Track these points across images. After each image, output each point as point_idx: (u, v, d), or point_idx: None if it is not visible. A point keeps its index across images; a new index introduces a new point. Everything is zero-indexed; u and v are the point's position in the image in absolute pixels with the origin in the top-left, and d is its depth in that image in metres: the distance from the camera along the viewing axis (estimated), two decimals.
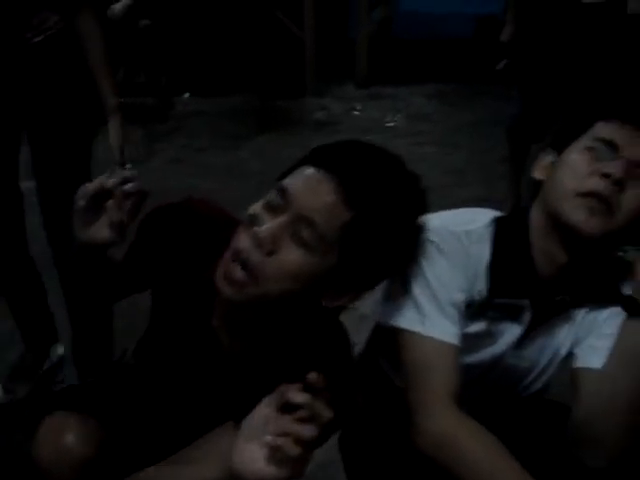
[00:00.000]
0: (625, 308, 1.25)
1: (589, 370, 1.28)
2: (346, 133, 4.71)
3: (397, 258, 1.14)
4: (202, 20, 5.54)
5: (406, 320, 1.26)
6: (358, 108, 5.19)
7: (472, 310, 1.30)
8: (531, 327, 1.34)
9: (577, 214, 1.22)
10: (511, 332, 1.34)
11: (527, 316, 1.33)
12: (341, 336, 1.21)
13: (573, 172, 1.25)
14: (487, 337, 1.34)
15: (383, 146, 1.13)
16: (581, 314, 1.35)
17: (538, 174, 1.34)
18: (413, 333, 1.25)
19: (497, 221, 1.35)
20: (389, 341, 1.31)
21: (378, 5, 6.21)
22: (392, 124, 4.88)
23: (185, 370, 1.23)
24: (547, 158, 1.34)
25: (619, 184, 1.20)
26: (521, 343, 1.35)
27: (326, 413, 0.91)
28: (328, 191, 1.02)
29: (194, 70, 5.59)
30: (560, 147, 1.32)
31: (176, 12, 5.40)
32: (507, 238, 1.32)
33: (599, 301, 1.32)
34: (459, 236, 1.29)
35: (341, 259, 1.05)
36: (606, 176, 1.20)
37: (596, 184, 1.21)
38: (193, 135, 4.78)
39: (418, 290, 1.26)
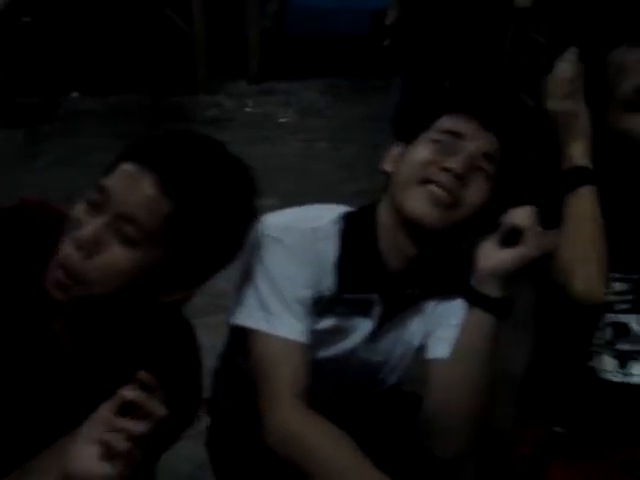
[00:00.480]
0: (467, 299, 1.27)
1: (436, 361, 1.30)
2: (238, 130, 4.68)
3: (226, 247, 1.11)
4: (91, 17, 5.39)
5: (252, 319, 1.25)
6: (250, 104, 5.16)
7: (321, 306, 1.30)
8: (382, 321, 1.34)
9: (419, 206, 1.23)
10: (362, 327, 1.34)
11: (377, 310, 1.33)
12: (184, 332, 1.18)
13: (416, 164, 1.26)
14: (338, 333, 1.34)
15: (209, 135, 1.12)
16: (431, 306, 1.36)
17: (387, 166, 1.34)
18: (259, 331, 1.23)
19: (345, 217, 1.34)
20: (242, 340, 1.29)
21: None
22: (284, 120, 4.87)
23: (25, 376, 1.18)
24: (396, 150, 1.34)
25: (460, 179, 1.22)
26: (373, 337, 1.36)
27: (160, 410, 0.90)
28: (146, 185, 1.00)
29: (83, 68, 5.42)
30: (408, 139, 1.33)
31: (60, 9, 5.23)
32: (355, 233, 1.32)
33: (447, 293, 1.34)
34: (305, 233, 1.28)
35: (168, 252, 1.03)
36: (447, 170, 1.22)
37: (436, 174, 1.23)
38: (79, 135, 4.64)
39: (263, 288, 1.24)
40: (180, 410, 0.94)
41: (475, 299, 1.25)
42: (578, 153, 1.30)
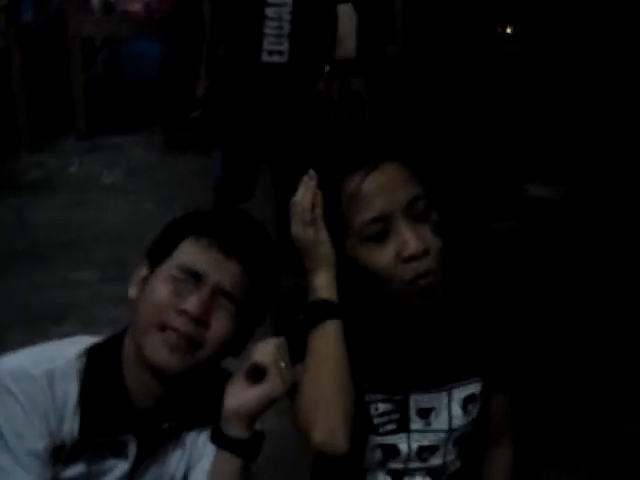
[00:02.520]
0: (212, 439, 1.20)
1: None
2: (60, 193, 4.49)
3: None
4: None
5: None
6: (76, 163, 4.95)
7: (67, 452, 1.20)
8: (139, 459, 1.26)
9: (158, 352, 1.17)
10: (117, 468, 1.26)
11: (132, 449, 1.25)
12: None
13: (153, 307, 1.19)
14: (91, 477, 1.25)
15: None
16: (191, 438, 1.29)
17: (132, 293, 1.26)
18: None
19: (89, 351, 1.25)
20: None
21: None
22: (109, 181, 4.70)
23: None
24: (141, 273, 1.27)
25: (198, 321, 1.16)
26: (132, 476, 1.27)
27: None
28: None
29: None
30: (154, 261, 1.25)
31: None
32: (98, 370, 1.23)
33: (207, 423, 1.27)
34: (37, 379, 1.19)
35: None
36: (183, 313, 1.16)
37: (172, 320, 1.16)
38: None
39: None
40: None
41: (220, 440, 1.19)
42: (321, 284, 1.25)
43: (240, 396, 1.18)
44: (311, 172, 1.26)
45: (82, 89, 5.41)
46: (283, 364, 1.17)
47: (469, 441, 1.35)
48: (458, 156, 2.99)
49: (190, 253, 1.20)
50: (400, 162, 1.23)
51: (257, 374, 1.18)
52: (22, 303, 3.20)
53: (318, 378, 1.21)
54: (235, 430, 1.18)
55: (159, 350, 1.16)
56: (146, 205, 4.25)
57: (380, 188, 1.20)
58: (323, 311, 1.23)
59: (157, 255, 1.25)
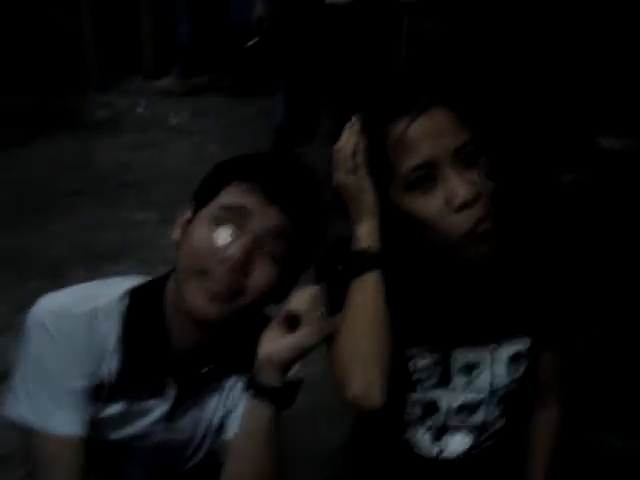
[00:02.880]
0: (246, 385, 1.19)
1: (228, 442, 1.24)
2: (128, 133, 4.51)
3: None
4: None
5: (22, 412, 1.18)
6: (143, 104, 4.97)
7: (107, 391, 1.22)
8: (178, 401, 1.27)
9: (197, 299, 1.15)
10: (157, 409, 1.27)
11: (172, 392, 1.26)
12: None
13: (195, 249, 1.16)
14: (130, 416, 1.26)
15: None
16: (229, 383, 1.29)
17: (176, 235, 1.24)
18: (30, 427, 1.17)
19: (132, 293, 1.25)
20: None
21: None
22: (175, 122, 4.70)
23: None
24: (185, 216, 1.24)
25: (240, 269, 1.13)
26: (171, 418, 1.28)
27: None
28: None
29: None
30: (200, 202, 1.22)
31: None
32: (140, 312, 1.23)
33: (245, 369, 1.26)
34: (79, 318, 1.19)
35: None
36: (225, 260, 1.13)
37: (214, 267, 1.14)
38: None
39: (32, 381, 1.18)
40: None
41: (253, 386, 1.17)
42: (364, 233, 1.20)
43: (274, 344, 1.16)
44: (355, 116, 1.21)
45: (150, 29, 5.41)
46: (318, 313, 1.14)
47: (514, 399, 1.30)
48: (519, 102, 2.86)
49: (234, 195, 1.17)
50: (449, 107, 1.16)
51: (292, 322, 1.15)
52: (81, 241, 3.23)
53: (355, 331, 1.17)
54: (267, 378, 1.16)
55: (198, 297, 1.14)
56: (210, 147, 4.24)
57: (427, 133, 1.14)
58: (363, 262, 1.19)
59: (202, 198, 1.23)
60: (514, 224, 1.27)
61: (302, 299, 1.15)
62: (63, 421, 1.16)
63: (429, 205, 1.15)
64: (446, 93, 1.19)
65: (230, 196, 1.18)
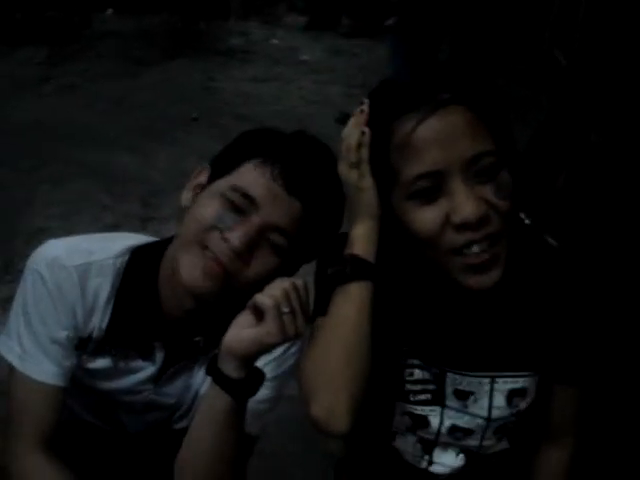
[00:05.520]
0: (207, 371, 1.11)
1: None
2: (255, 64, 4.51)
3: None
4: None
5: (10, 353, 1.20)
6: (278, 36, 4.94)
7: (93, 345, 1.21)
8: (165, 366, 1.24)
9: (191, 271, 1.07)
10: (145, 370, 1.25)
11: (159, 355, 1.22)
12: None
13: (200, 221, 1.08)
14: (118, 372, 1.24)
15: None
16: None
17: (185, 199, 1.18)
18: (14, 367, 1.17)
19: (133, 251, 1.21)
20: None
21: None
22: (306, 57, 4.64)
23: None
24: (199, 179, 1.17)
25: (240, 255, 1.06)
26: (158, 380, 1.26)
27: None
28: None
29: None
30: (215, 171, 1.15)
31: None
32: (135, 273, 1.19)
33: None
34: (69, 270, 1.17)
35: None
36: (227, 241, 1.06)
37: (216, 244, 1.06)
38: (96, 59, 4.56)
39: (20, 324, 1.18)
40: None
41: (213, 373, 1.09)
42: (358, 237, 1.06)
43: (238, 333, 1.04)
44: (365, 103, 1.03)
45: None
46: (286, 309, 1.02)
47: (516, 430, 1.16)
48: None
49: (249, 178, 1.08)
50: (467, 106, 0.96)
51: (261, 313, 1.06)
52: (180, 170, 3.25)
53: (329, 345, 1.03)
54: (226, 367, 1.07)
55: (193, 270, 1.07)
56: (333, 88, 4.15)
57: (437, 137, 0.95)
58: (352, 269, 1.04)
59: (218, 167, 1.15)
60: (527, 251, 1.08)
61: (271, 292, 1.03)
62: (45, 370, 1.16)
63: (427, 218, 0.98)
64: (465, 89, 0.98)
65: (244, 178, 1.08)
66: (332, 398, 1.00)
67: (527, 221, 1.32)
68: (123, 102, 3.99)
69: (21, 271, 1.23)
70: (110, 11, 5.32)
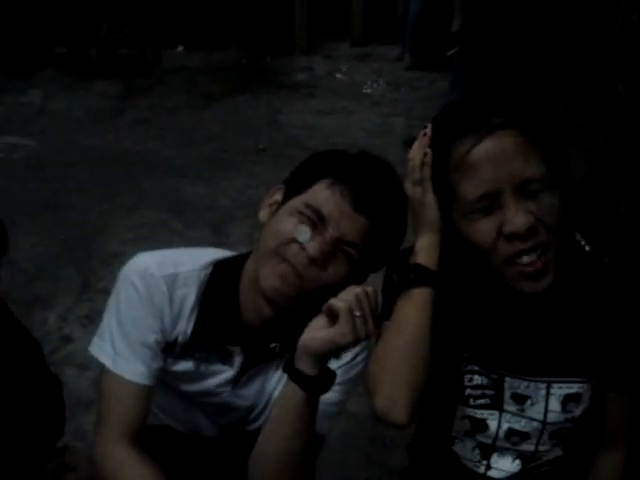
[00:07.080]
0: (284, 369, 1.21)
1: None
2: (321, 97, 4.64)
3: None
4: None
5: (103, 353, 1.30)
6: (343, 70, 5.07)
7: (179, 349, 1.31)
8: (244, 369, 1.34)
9: (270, 279, 1.20)
10: (224, 373, 1.35)
11: (238, 360, 1.32)
12: None
13: (278, 235, 1.20)
14: (200, 375, 1.35)
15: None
16: None
17: (262, 215, 1.30)
18: (106, 367, 1.28)
19: (216, 265, 1.33)
20: None
21: None
22: (370, 91, 4.75)
23: None
24: (274, 197, 1.29)
25: (316, 262, 1.17)
26: (236, 383, 1.36)
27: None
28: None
29: (190, 22, 5.53)
30: (290, 189, 1.26)
31: None
32: (218, 284, 1.31)
33: None
34: (160, 281, 1.28)
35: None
36: (304, 250, 1.18)
37: (293, 255, 1.18)
38: (167, 93, 4.76)
39: (114, 327, 1.29)
40: None
41: (289, 371, 1.20)
42: (421, 247, 1.18)
43: (313, 333, 1.16)
44: (428, 127, 1.16)
45: None
46: (358, 313, 1.13)
47: (571, 436, 1.22)
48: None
49: (322, 197, 1.19)
50: (520, 131, 1.07)
51: (335, 316, 1.17)
52: (248, 199, 3.40)
53: (392, 343, 1.16)
54: (302, 365, 1.17)
55: (273, 278, 1.19)
56: (396, 120, 4.25)
57: (490, 157, 1.06)
58: (415, 276, 1.16)
59: (292, 186, 1.27)
60: (581, 258, 1.18)
61: (345, 296, 1.15)
62: (134, 370, 1.26)
63: (483, 230, 1.10)
64: (519, 114, 1.09)
65: (317, 197, 1.20)
66: (394, 390, 1.13)
67: (587, 248, 1.40)
68: (192, 134, 4.16)
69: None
70: (180, 47, 5.53)
